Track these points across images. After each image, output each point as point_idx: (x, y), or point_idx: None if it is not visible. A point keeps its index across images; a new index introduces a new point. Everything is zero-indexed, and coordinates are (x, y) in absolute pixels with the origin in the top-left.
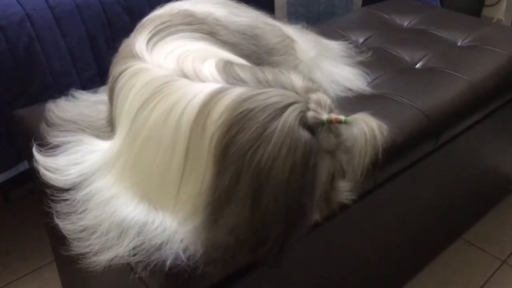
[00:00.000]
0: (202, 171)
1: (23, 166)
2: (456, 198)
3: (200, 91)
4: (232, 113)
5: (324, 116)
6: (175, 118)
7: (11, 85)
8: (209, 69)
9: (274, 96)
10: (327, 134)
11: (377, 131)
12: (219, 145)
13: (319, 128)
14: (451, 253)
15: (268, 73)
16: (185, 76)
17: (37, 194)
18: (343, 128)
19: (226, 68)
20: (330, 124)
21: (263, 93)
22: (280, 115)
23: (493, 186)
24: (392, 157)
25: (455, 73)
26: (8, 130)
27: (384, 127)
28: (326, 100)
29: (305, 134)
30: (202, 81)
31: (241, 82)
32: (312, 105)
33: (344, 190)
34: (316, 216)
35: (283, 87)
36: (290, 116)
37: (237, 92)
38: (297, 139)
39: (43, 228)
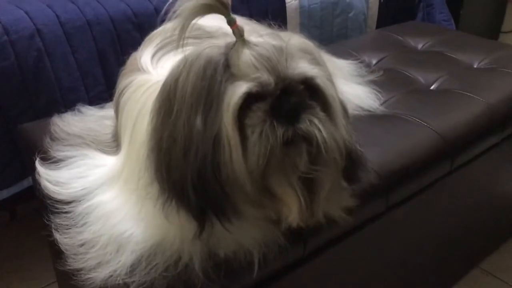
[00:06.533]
0: None
1: (27, 182)
2: (472, 225)
3: None
4: None
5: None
6: None
7: (18, 100)
8: None
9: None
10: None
11: None
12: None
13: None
14: (467, 283)
15: None
16: None
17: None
18: None
19: None
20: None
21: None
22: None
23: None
24: (405, 179)
25: (471, 95)
26: (14, 145)
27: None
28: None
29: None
30: None
31: None
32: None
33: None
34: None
35: None
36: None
37: None
38: (206, 55)
39: (46, 247)
